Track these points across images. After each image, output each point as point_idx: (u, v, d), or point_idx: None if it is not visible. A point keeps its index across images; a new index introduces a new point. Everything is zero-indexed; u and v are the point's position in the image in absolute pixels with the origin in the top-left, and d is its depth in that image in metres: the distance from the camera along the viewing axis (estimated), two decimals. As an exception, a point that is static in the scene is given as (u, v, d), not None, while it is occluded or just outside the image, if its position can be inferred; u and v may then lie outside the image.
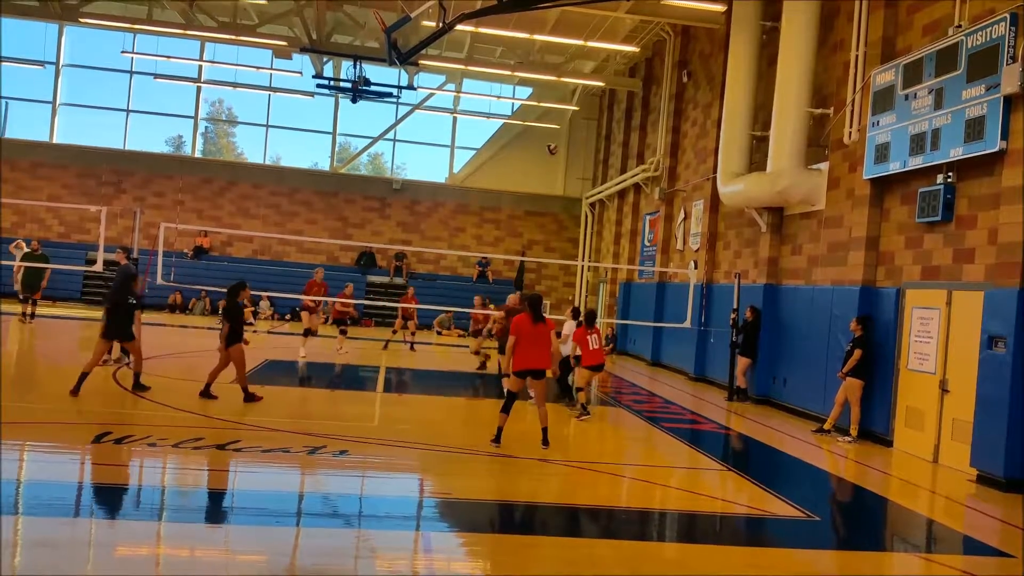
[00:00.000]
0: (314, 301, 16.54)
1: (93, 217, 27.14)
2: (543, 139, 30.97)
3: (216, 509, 6.58)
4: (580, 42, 21.81)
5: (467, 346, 18.24)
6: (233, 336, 10.69)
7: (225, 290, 11.20)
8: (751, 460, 10.58)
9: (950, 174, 10.22)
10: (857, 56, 12.56)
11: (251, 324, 24.81)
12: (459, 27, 16.42)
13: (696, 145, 20.03)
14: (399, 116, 30.29)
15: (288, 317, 26.46)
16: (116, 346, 11.99)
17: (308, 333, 16.54)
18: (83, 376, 10.16)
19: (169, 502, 6.68)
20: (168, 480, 7.35)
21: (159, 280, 16.10)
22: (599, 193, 28.45)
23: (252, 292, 25.22)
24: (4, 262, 19.59)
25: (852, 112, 12.67)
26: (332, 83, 25.76)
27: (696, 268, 18.87)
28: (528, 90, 29.99)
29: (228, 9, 23.30)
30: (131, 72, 29.07)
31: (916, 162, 10.65)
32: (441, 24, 15.09)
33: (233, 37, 23.73)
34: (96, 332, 10.92)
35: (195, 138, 30.32)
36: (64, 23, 26.68)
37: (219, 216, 29.30)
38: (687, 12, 18.53)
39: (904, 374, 11.00)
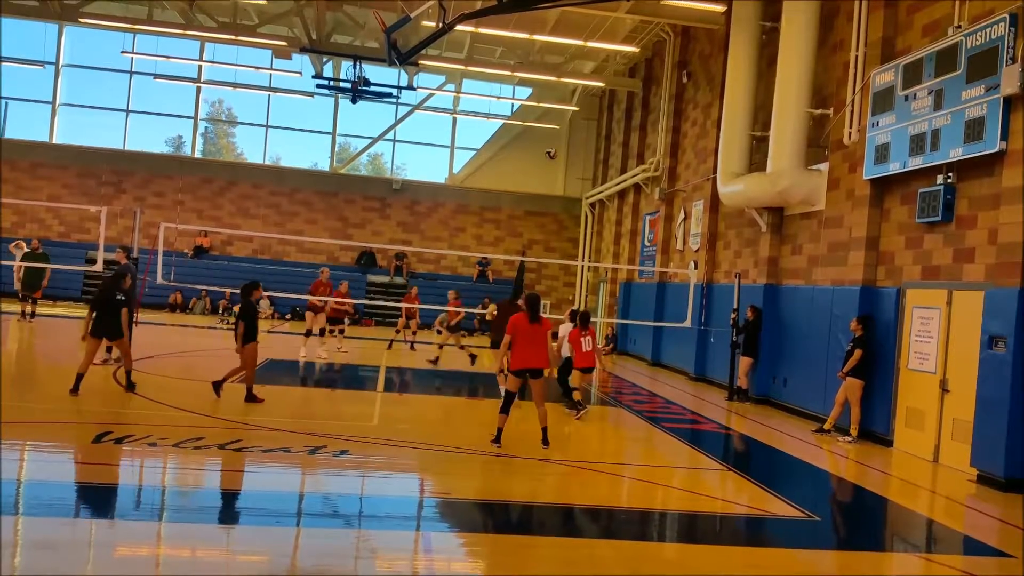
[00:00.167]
0: (320, 301, 16.49)
1: (93, 217, 27.14)
2: (543, 139, 31.04)
3: (216, 509, 6.58)
4: (580, 42, 21.81)
5: (467, 345, 18.20)
6: (248, 335, 10.68)
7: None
8: (751, 460, 10.58)
9: (950, 174, 10.22)
10: (857, 56, 12.56)
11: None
12: (459, 27, 16.43)
13: (696, 145, 20.03)
14: (399, 116, 30.31)
15: (288, 316, 26.46)
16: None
17: (310, 334, 16.50)
18: (79, 377, 10.16)
19: (169, 502, 6.68)
20: (168, 480, 7.35)
21: (159, 280, 16.09)
22: (599, 193, 28.45)
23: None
24: (4, 262, 19.59)
25: (852, 112, 12.67)
26: (332, 83, 25.77)
27: (696, 268, 18.87)
28: (528, 90, 29.99)
29: (228, 9, 23.30)
30: (131, 72, 29.08)
31: (916, 162, 10.65)
32: (441, 24, 15.09)
33: (233, 37, 23.73)
34: (79, 332, 10.84)
35: (195, 138, 30.34)
36: (64, 23, 26.69)
37: (219, 216, 29.31)
38: (687, 12, 18.53)
39: (904, 374, 11.01)
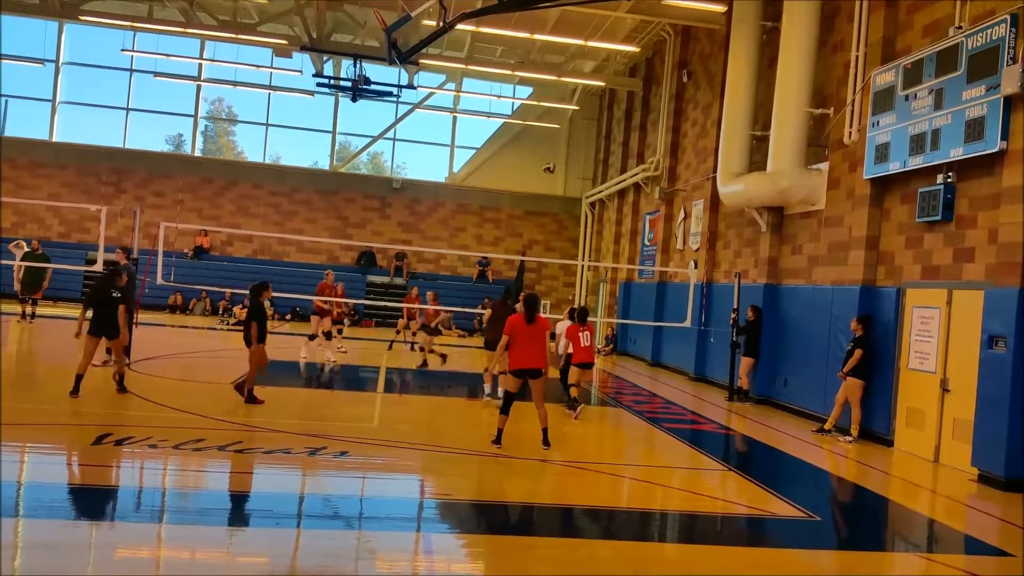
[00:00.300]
0: (326, 303, 16.40)
1: (93, 216, 27.12)
2: (543, 139, 31.03)
3: (217, 511, 6.57)
4: (580, 42, 21.80)
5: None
6: (258, 335, 10.68)
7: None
8: (752, 460, 10.58)
9: (950, 174, 10.22)
10: (857, 56, 12.56)
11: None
12: (459, 26, 16.42)
13: (696, 145, 20.03)
14: (399, 115, 30.30)
15: (288, 317, 26.45)
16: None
17: (314, 337, 16.40)
18: (78, 377, 10.15)
19: (170, 504, 6.68)
20: (169, 482, 7.34)
21: (159, 280, 16.08)
22: (599, 193, 28.45)
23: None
24: (4, 262, 19.59)
25: (852, 112, 12.67)
26: (332, 82, 25.76)
27: (696, 268, 18.87)
28: (528, 90, 29.97)
29: (228, 8, 23.30)
30: (131, 70, 29.07)
31: (916, 162, 10.65)
32: (441, 23, 15.09)
33: (233, 35, 23.72)
34: (73, 332, 10.81)
35: (195, 137, 30.33)
36: (64, 21, 26.68)
37: (219, 216, 29.30)
38: (687, 12, 18.52)
39: (905, 374, 11.01)
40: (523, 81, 28.35)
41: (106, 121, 29.41)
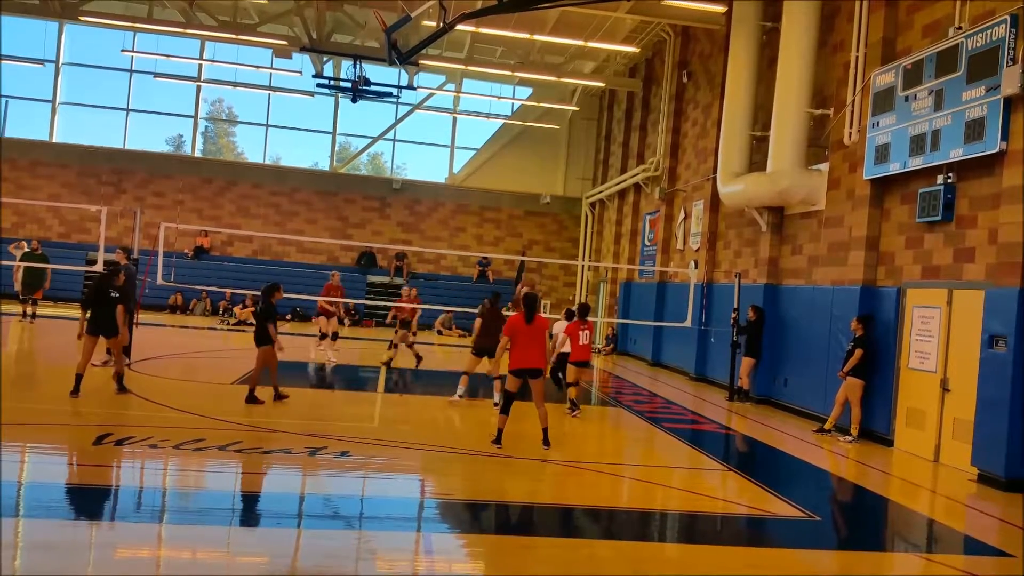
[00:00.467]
0: (331, 304, 16.35)
1: (93, 217, 27.13)
2: (543, 139, 31.06)
3: (217, 511, 6.57)
4: (580, 42, 21.80)
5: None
6: (266, 337, 10.73)
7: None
8: (752, 460, 10.58)
9: (950, 174, 10.22)
10: (857, 57, 12.56)
11: (252, 324, 24.85)
12: (459, 27, 16.42)
13: (696, 145, 20.03)
14: (399, 116, 30.30)
15: (289, 317, 26.45)
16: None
17: (324, 336, 16.34)
18: (78, 377, 10.15)
19: (170, 504, 6.68)
20: (169, 482, 7.34)
21: (159, 280, 16.07)
22: (599, 193, 28.45)
23: (252, 293, 25.19)
24: (4, 262, 19.60)
25: (852, 113, 12.67)
26: (332, 83, 25.75)
27: (696, 268, 18.87)
28: (528, 90, 29.98)
29: (228, 8, 23.30)
30: (131, 71, 29.07)
31: (916, 163, 10.65)
32: (441, 24, 15.09)
33: (233, 36, 23.71)
34: (76, 333, 10.83)
35: (195, 137, 30.33)
36: (64, 21, 26.68)
37: (219, 216, 29.31)
38: (687, 12, 18.53)
39: (905, 373, 11.01)
40: (523, 82, 28.36)
41: (106, 122, 29.44)
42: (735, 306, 15.52)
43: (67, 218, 28.51)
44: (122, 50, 27.57)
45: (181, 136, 30.87)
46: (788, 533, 7.02)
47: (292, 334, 20.92)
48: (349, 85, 23.92)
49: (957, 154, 9.84)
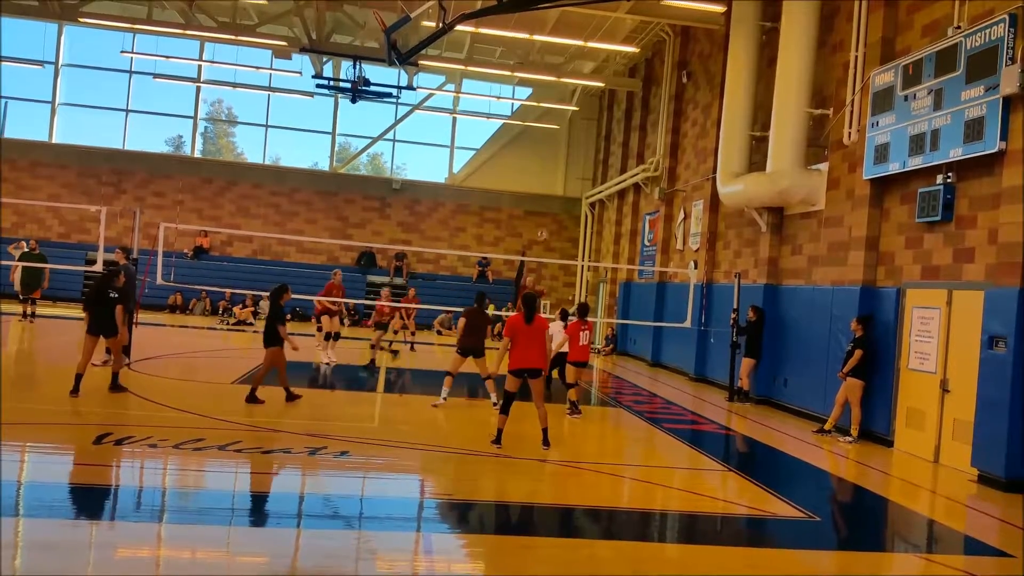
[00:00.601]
0: (333, 303, 16.28)
1: (93, 217, 27.15)
2: (543, 139, 31.07)
3: (217, 511, 6.57)
4: (580, 42, 21.81)
5: (387, 345, 18.12)
6: (275, 338, 10.75)
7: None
8: (752, 461, 10.58)
9: (950, 174, 10.22)
10: (856, 56, 12.56)
11: (251, 324, 24.86)
12: (459, 27, 16.42)
13: (696, 145, 20.03)
14: (399, 116, 30.31)
15: (289, 317, 26.38)
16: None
17: (329, 337, 16.28)
18: (78, 377, 10.17)
19: (170, 504, 6.68)
20: (169, 482, 7.34)
21: (159, 280, 16.06)
22: (599, 193, 28.45)
23: (251, 292, 25.19)
24: (4, 262, 19.61)
25: (852, 112, 12.68)
26: (332, 83, 25.76)
27: (696, 268, 18.87)
28: (528, 90, 29.99)
29: (228, 9, 23.30)
30: (130, 72, 29.07)
31: (916, 162, 10.65)
32: (441, 24, 15.08)
33: (233, 37, 23.72)
34: (82, 332, 10.87)
35: (195, 138, 30.33)
36: (63, 23, 26.69)
37: (219, 216, 29.31)
38: (687, 12, 18.53)
39: (905, 374, 11.01)
40: (523, 82, 28.36)
41: (106, 122, 29.47)
42: (735, 306, 15.52)
43: (67, 218, 28.52)
44: (121, 51, 27.58)
45: (181, 137, 30.89)
46: (788, 533, 7.02)
47: (294, 334, 20.87)
48: (349, 85, 23.93)
49: (956, 154, 9.84)
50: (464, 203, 30.86)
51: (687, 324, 17.65)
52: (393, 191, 30.38)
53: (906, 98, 10.89)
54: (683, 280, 19.56)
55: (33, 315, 19.40)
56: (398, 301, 19.63)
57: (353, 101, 24.85)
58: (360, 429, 9.90)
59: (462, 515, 6.89)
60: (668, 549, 6.55)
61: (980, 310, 9.38)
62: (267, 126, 30.39)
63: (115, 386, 10.65)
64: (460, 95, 30.26)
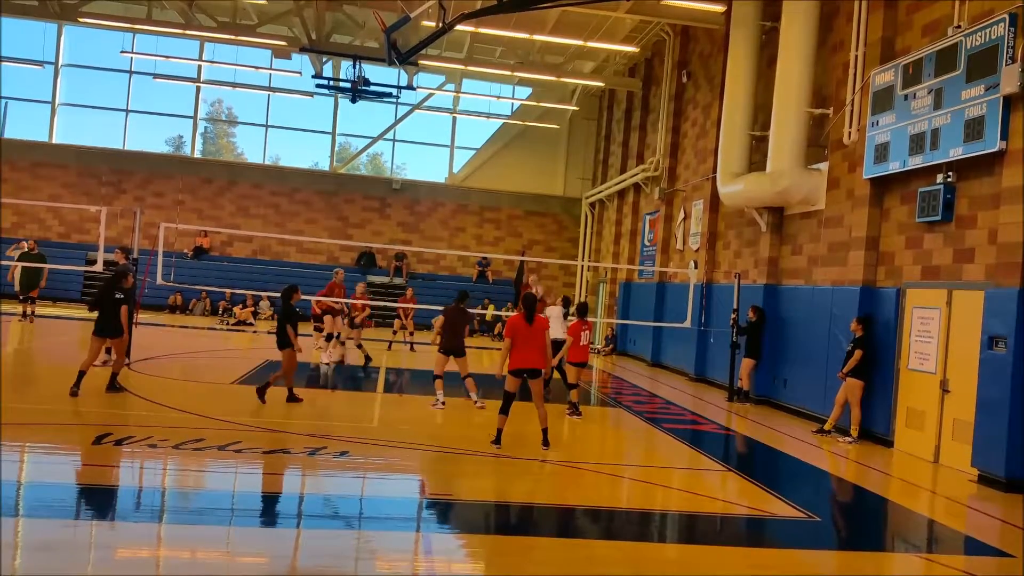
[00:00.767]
0: (335, 303, 16.21)
1: (93, 217, 27.15)
2: (543, 139, 31.09)
3: (217, 511, 6.57)
4: (580, 42, 21.81)
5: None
6: (287, 339, 10.84)
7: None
8: (752, 461, 10.58)
9: (950, 174, 10.22)
10: (856, 56, 12.56)
11: (251, 324, 24.87)
12: (459, 27, 16.42)
13: (696, 145, 20.03)
14: (399, 116, 30.31)
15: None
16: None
17: (331, 337, 16.22)
18: (81, 374, 10.19)
19: (170, 504, 6.68)
20: (169, 482, 7.34)
21: (159, 280, 16.05)
22: (599, 193, 28.45)
23: (251, 293, 25.19)
24: (4, 262, 19.62)
25: (852, 112, 12.67)
26: (332, 83, 25.75)
27: (696, 268, 18.86)
28: (528, 90, 29.99)
29: (227, 9, 23.30)
30: (130, 72, 29.08)
31: (916, 162, 10.65)
32: (441, 24, 15.08)
33: (232, 37, 23.74)
34: (75, 332, 10.95)
35: (195, 138, 30.34)
36: (63, 23, 26.69)
37: (219, 216, 29.30)
38: (687, 12, 18.53)
39: (904, 374, 11.00)
40: (523, 82, 28.36)
41: (106, 122, 29.46)
42: (735, 306, 15.51)
43: (67, 218, 28.52)
44: (121, 51, 27.58)
45: (181, 137, 30.89)
46: (788, 533, 7.01)
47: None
48: (349, 85, 23.92)
49: (957, 153, 9.83)
50: (464, 203, 30.86)
51: (687, 324, 17.64)
52: (393, 191, 30.38)
53: (906, 98, 10.89)
54: (683, 280, 19.55)
55: (33, 315, 19.40)
56: (395, 301, 19.60)
57: (353, 101, 24.85)
58: (360, 429, 9.90)
59: (462, 515, 6.89)
60: (668, 549, 6.54)
61: (980, 310, 9.37)
62: (267, 126, 30.40)
63: (113, 386, 10.66)
64: (460, 95, 30.26)
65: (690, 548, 6.58)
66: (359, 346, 16.37)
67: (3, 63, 26.96)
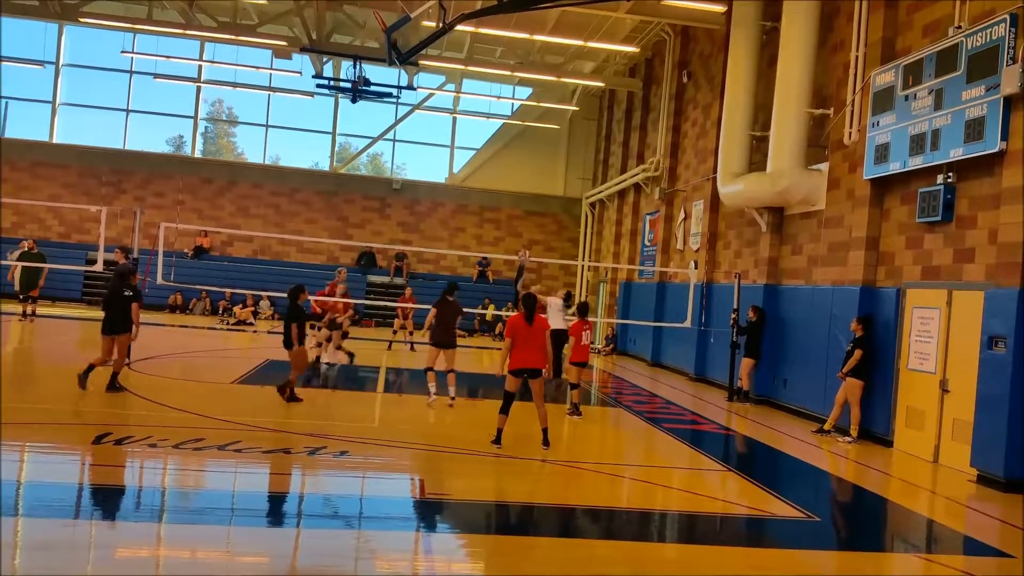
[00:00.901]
0: (338, 303, 16.16)
1: (93, 217, 27.15)
2: (543, 139, 31.08)
3: (217, 510, 6.58)
4: (580, 42, 21.81)
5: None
6: (298, 338, 10.90)
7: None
8: (752, 461, 10.58)
9: (950, 174, 10.22)
10: (857, 57, 12.56)
11: (251, 324, 24.87)
12: (459, 27, 16.41)
13: (696, 145, 20.03)
14: (399, 116, 30.31)
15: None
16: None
17: (331, 338, 16.15)
18: (91, 367, 10.37)
19: (170, 503, 6.68)
20: (169, 481, 7.35)
21: (159, 280, 16.06)
22: (599, 193, 28.45)
23: (252, 292, 25.18)
24: (4, 262, 19.62)
25: (852, 112, 12.67)
26: (332, 83, 25.75)
27: (696, 268, 18.86)
28: (528, 90, 29.99)
29: (228, 9, 23.30)
30: (131, 72, 29.07)
31: (916, 162, 10.65)
32: (441, 24, 15.08)
33: (233, 37, 23.73)
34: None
35: (195, 138, 30.34)
36: (64, 23, 26.68)
37: (219, 216, 29.30)
38: (687, 12, 18.53)
39: (904, 374, 11.00)
40: (523, 82, 28.36)
41: (106, 122, 29.44)
42: (735, 306, 15.51)
43: (67, 218, 28.52)
44: (122, 51, 27.57)
45: (181, 136, 30.89)
46: (788, 533, 7.01)
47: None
48: (349, 85, 23.90)
49: (957, 153, 9.83)
50: (464, 203, 30.87)
51: (687, 324, 17.64)
52: (393, 191, 30.38)
53: (906, 98, 10.89)
54: (683, 280, 19.55)
55: (34, 314, 19.41)
56: (395, 301, 19.55)
57: (353, 101, 24.83)
58: (360, 429, 9.90)
59: (462, 515, 6.89)
60: (668, 549, 6.55)
61: (980, 310, 9.37)
62: (267, 126, 30.40)
63: (113, 386, 10.67)
64: (460, 95, 30.26)
65: (690, 548, 6.58)
66: (339, 347, 16.24)
67: (3, 63, 26.96)
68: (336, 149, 30.93)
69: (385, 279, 29.33)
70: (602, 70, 26.22)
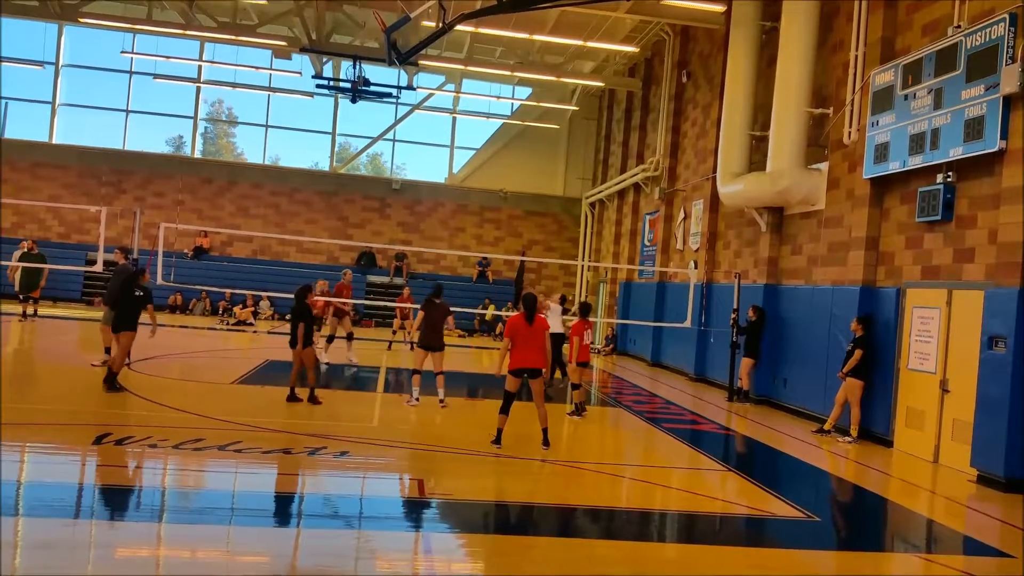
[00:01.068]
0: (343, 304, 16.11)
1: (93, 217, 27.15)
2: (543, 139, 31.10)
3: (216, 510, 6.58)
4: (580, 42, 21.81)
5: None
6: (305, 338, 10.99)
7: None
8: (751, 461, 10.58)
9: (950, 174, 10.22)
10: (856, 56, 12.56)
11: (251, 324, 24.87)
12: (459, 27, 16.42)
13: (696, 145, 20.03)
14: (399, 116, 30.31)
15: (288, 317, 26.40)
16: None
17: (332, 339, 16.11)
18: (113, 375, 10.63)
19: (170, 503, 6.68)
20: (169, 481, 7.35)
21: (159, 280, 16.06)
22: (599, 193, 28.45)
23: (251, 293, 25.17)
24: (4, 262, 19.63)
25: (852, 112, 12.67)
26: (332, 83, 25.75)
27: (696, 268, 18.86)
28: (528, 90, 29.99)
29: (228, 9, 23.31)
30: (131, 72, 29.07)
31: (916, 162, 10.65)
32: (441, 24, 15.09)
33: (233, 37, 23.73)
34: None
35: (195, 138, 30.33)
36: (64, 23, 26.68)
37: (219, 216, 29.30)
38: (687, 12, 18.53)
39: (904, 374, 11.01)
40: (522, 82, 28.36)
41: (106, 123, 29.45)
42: (735, 306, 15.51)
43: (67, 218, 28.52)
44: (122, 51, 27.56)
45: (181, 137, 30.88)
46: (788, 533, 7.01)
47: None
48: (349, 85, 23.91)
49: (957, 153, 9.83)
50: (464, 203, 30.87)
51: (687, 324, 17.65)
52: (393, 191, 30.38)
53: (906, 97, 10.89)
54: (683, 280, 19.55)
55: (35, 314, 19.42)
56: (393, 301, 19.57)
57: (353, 101, 24.84)
58: (360, 429, 9.90)
59: (462, 515, 6.89)
60: (668, 549, 6.55)
61: (980, 310, 9.37)
62: (267, 126, 30.40)
63: (112, 385, 10.67)
64: (460, 95, 30.26)
65: (690, 548, 6.58)
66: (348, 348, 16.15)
67: (3, 63, 26.97)
68: (336, 149, 30.93)
69: (385, 279, 29.33)
70: (602, 70, 26.23)
